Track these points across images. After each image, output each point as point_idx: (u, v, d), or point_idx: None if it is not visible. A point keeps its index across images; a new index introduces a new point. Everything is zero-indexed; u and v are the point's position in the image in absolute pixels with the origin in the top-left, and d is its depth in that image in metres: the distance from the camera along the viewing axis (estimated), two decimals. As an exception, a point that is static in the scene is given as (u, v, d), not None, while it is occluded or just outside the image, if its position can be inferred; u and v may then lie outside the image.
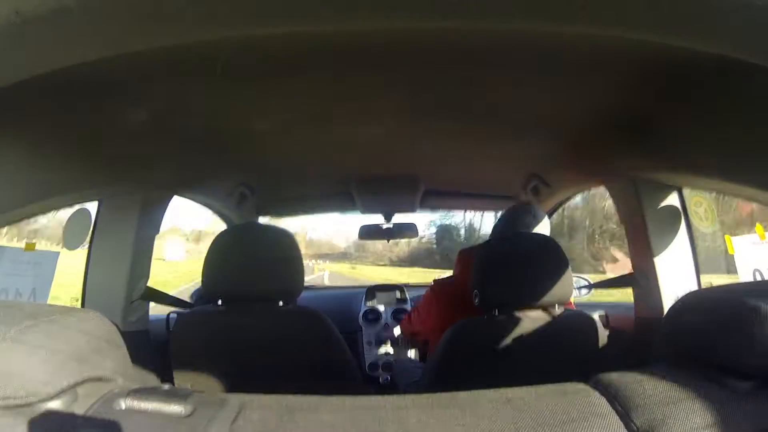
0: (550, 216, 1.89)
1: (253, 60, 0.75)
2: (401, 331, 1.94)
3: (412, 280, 2.60)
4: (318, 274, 12.85)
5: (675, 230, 1.20)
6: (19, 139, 0.77)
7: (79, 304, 1.26)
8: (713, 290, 0.54)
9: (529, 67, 0.82)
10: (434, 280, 1.43)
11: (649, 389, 0.47)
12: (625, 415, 0.45)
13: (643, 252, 1.23)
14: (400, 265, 16.07)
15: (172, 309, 1.36)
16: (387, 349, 2.11)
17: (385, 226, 2.24)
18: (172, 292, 1.47)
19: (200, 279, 1.05)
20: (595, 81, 0.88)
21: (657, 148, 1.02)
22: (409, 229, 2.28)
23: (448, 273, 1.50)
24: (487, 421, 0.45)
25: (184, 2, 0.38)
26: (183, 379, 1.06)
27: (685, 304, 0.57)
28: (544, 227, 1.33)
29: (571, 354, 1.00)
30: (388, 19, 0.44)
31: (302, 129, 1.21)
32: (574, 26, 0.43)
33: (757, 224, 0.99)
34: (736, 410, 0.44)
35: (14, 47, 0.39)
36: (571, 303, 1.33)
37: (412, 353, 2.10)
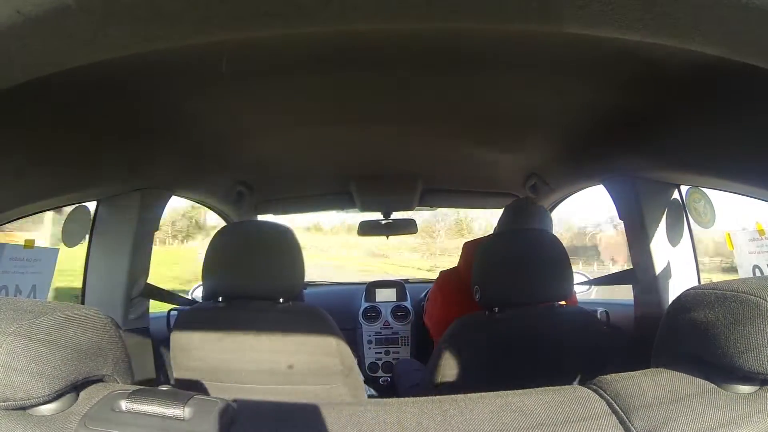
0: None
1: (251, 60, 0.75)
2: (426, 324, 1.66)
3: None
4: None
5: (674, 227, 1.21)
6: (19, 139, 0.77)
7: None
8: (712, 287, 0.53)
9: (529, 67, 0.82)
10: (441, 272, 1.43)
11: (649, 391, 0.47)
12: (624, 418, 0.45)
13: (642, 249, 1.23)
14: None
15: (173, 306, 1.36)
16: (387, 348, 2.12)
17: (384, 222, 2.25)
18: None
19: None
20: (595, 81, 0.88)
21: (656, 148, 1.02)
22: (408, 225, 2.29)
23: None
24: (486, 424, 0.45)
25: (184, 4, 0.38)
26: (182, 376, 1.06)
27: (684, 301, 0.56)
28: (548, 221, 1.33)
29: (572, 352, 1.01)
30: (387, 21, 0.44)
31: (300, 128, 1.21)
32: (573, 27, 0.43)
33: (756, 221, 0.99)
34: (738, 413, 0.43)
35: (16, 48, 0.39)
36: (575, 300, 1.34)
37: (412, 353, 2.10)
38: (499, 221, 1.43)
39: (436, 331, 1.33)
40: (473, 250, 1.28)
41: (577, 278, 1.81)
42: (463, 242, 1.42)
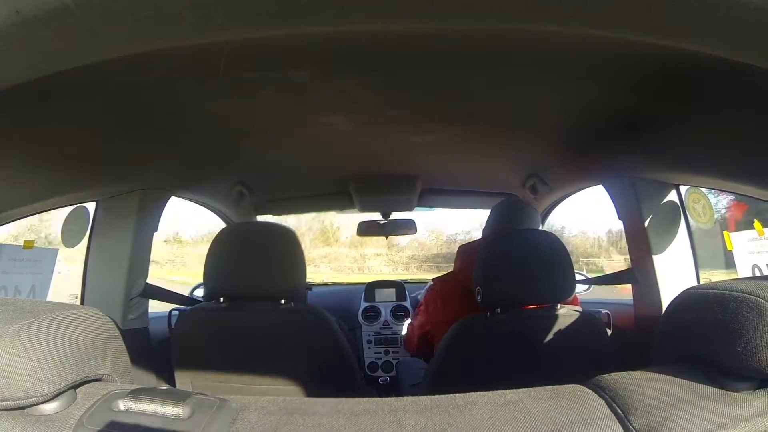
0: (547, 214, 1.90)
1: (251, 60, 0.75)
2: (406, 348, 1.77)
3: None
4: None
5: (673, 227, 1.21)
6: (19, 140, 0.77)
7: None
8: (711, 286, 0.53)
9: (528, 67, 0.82)
10: (433, 279, 1.43)
11: (648, 391, 0.47)
12: (623, 418, 0.45)
13: (641, 250, 1.23)
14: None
15: (174, 306, 1.36)
16: (387, 348, 2.12)
17: (383, 222, 2.26)
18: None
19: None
20: (594, 81, 0.88)
21: (655, 148, 1.02)
22: (407, 225, 2.30)
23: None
24: (486, 424, 0.45)
25: (184, 4, 0.38)
26: (183, 376, 1.06)
27: (683, 301, 0.56)
28: (535, 221, 1.33)
29: (573, 352, 1.01)
30: (387, 21, 0.44)
31: (300, 129, 1.21)
32: (573, 27, 0.43)
33: (756, 220, 0.99)
34: (737, 412, 0.43)
35: (16, 48, 0.39)
36: (577, 300, 1.34)
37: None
38: (487, 222, 1.41)
39: (437, 334, 1.33)
40: (468, 253, 1.29)
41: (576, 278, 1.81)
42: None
